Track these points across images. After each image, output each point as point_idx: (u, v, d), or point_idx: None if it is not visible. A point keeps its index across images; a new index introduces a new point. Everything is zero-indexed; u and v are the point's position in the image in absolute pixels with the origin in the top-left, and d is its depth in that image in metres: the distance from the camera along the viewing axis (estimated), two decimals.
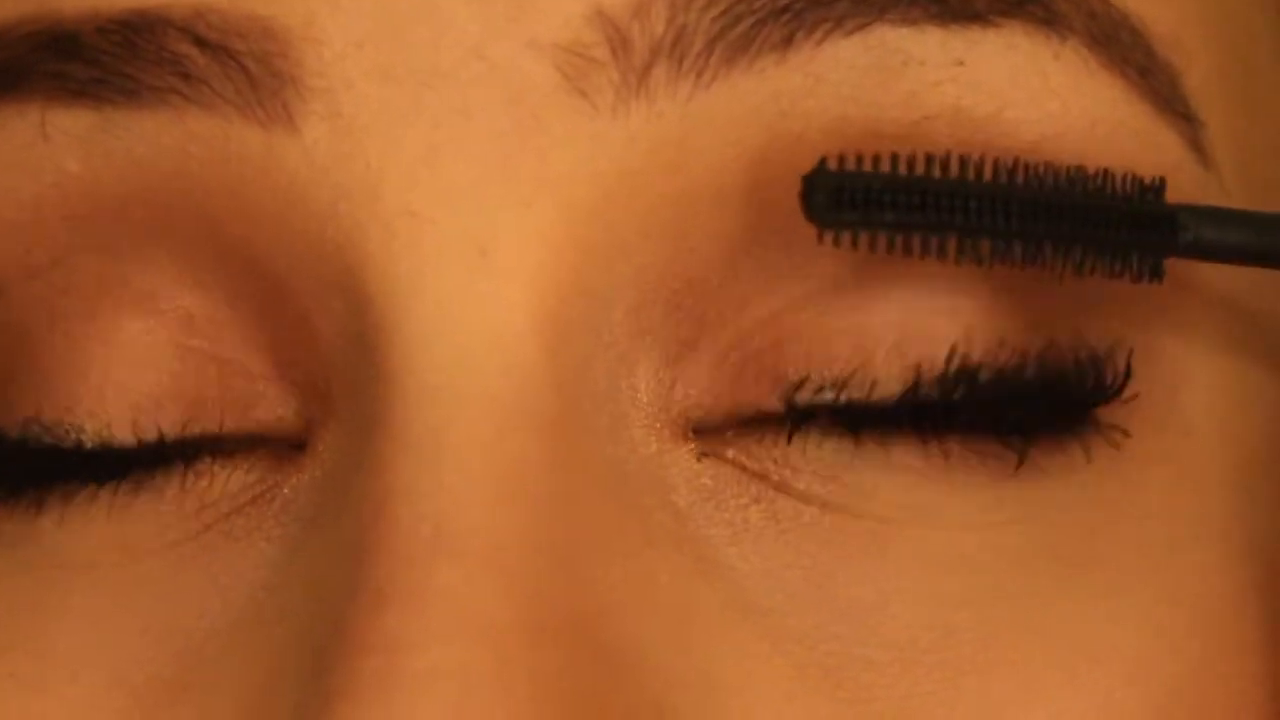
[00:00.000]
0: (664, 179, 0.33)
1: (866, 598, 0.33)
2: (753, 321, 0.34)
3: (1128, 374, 0.34)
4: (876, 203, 0.31)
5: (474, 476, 0.32)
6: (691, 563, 0.33)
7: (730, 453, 0.34)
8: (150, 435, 0.35)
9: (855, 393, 0.34)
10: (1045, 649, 0.33)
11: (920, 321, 0.34)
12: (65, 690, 0.34)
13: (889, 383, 0.34)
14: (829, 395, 0.34)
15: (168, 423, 0.35)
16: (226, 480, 0.35)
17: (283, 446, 0.35)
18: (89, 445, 0.35)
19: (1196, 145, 0.35)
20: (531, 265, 0.33)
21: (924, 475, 0.34)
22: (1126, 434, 0.34)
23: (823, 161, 0.32)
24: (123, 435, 0.35)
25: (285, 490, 0.35)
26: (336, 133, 0.33)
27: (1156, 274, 0.32)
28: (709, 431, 0.34)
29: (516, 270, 0.33)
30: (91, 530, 0.35)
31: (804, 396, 0.34)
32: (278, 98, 0.33)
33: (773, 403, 0.34)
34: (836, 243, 0.31)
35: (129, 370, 0.36)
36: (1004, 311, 0.34)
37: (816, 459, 0.34)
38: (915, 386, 0.34)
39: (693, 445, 0.34)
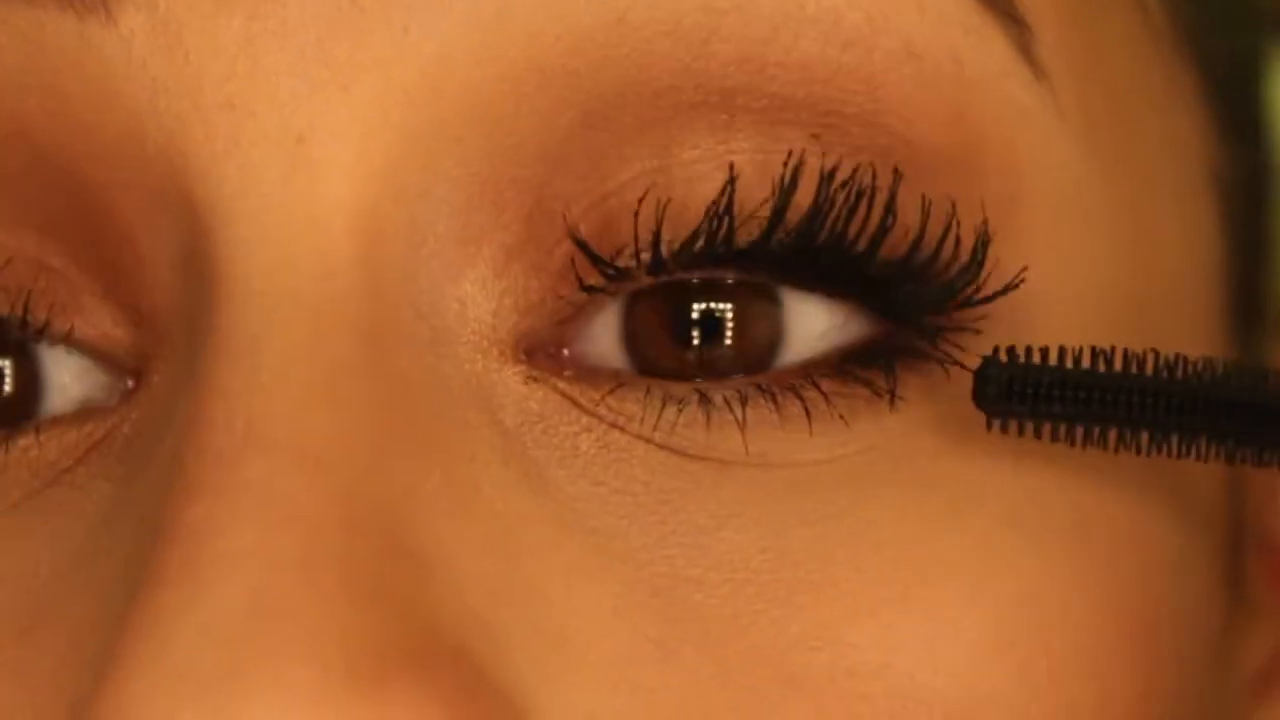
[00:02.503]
0: (485, 59, 0.33)
1: (699, 521, 0.34)
2: (579, 213, 0.34)
3: (985, 242, 0.34)
4: (1045, 396, 0.32)
5: (289, 379, 0.32)
6: (518, 478, 0.33)
7: (562, 385, 0.34)
8: None
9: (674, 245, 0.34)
10: (880, 568, 0.33)
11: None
12: None
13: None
14: (645, 255, 0.34)
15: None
16: (60, 438, 0.35)
17: (119, 386, 0.35)
18: None
19: (1025, 50, 0.35)
20: (350, 155, 0.33)
21: (777, 428, 0.34)
22: (977, 331, 0.34)
23: (995, 352, 0.33)
24: None
25: (125, 429, 0.35)
26: (154, 23, 0.33)
27: None
28: (542, 361, 0.34)
29: (333, 160, 0.33)
30: None
31: (623, 261, 0.34)
32: None
33: (598, 279, 0.34)
34: (1004, 429, 0.33)
35: None
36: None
37: (662, 419, 0.34)
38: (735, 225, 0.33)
39: (522, 368, 0.34)
